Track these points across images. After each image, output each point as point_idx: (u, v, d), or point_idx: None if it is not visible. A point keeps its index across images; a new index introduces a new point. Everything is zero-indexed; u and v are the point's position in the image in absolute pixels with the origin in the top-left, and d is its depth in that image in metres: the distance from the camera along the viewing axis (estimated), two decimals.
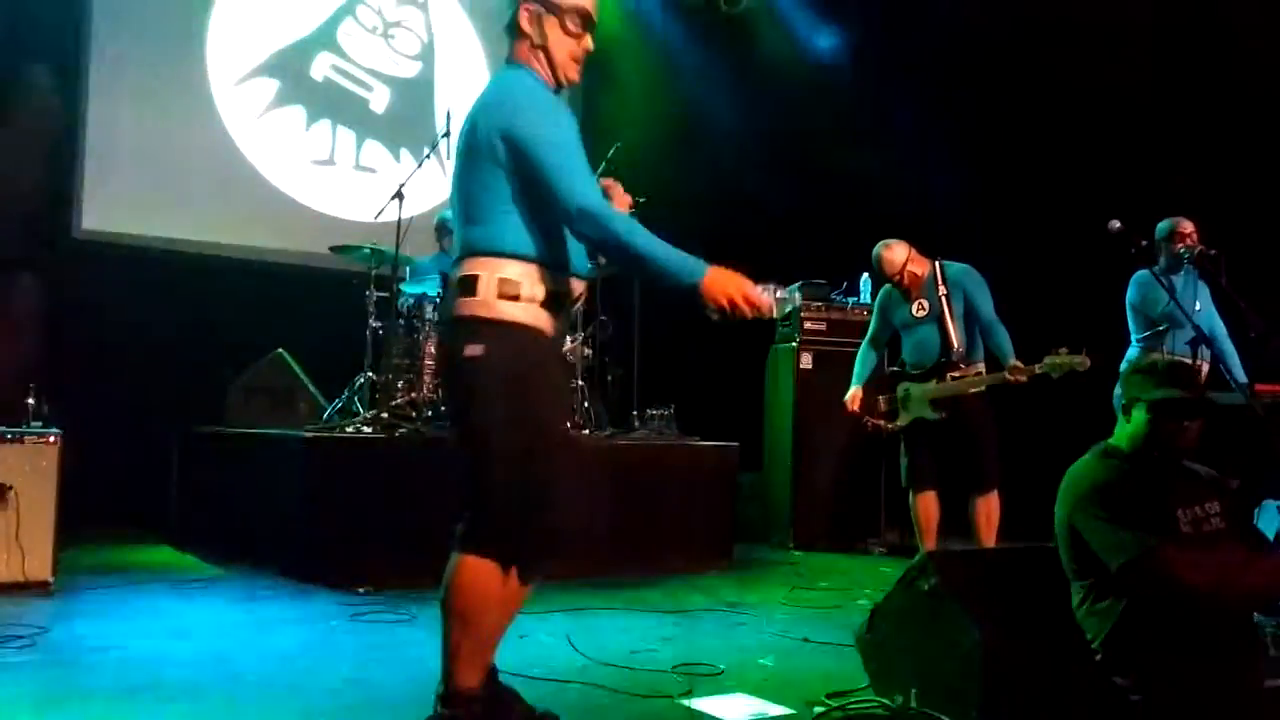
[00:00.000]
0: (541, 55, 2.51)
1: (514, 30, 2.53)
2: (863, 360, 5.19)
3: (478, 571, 2.34)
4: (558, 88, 2.56)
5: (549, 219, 2.35)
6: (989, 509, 4.74)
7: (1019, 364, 4.59)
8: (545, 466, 2.33)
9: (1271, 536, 4.62)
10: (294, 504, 4.82)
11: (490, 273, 2.32)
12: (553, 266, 2.38)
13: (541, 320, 2.35)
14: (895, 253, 4.99)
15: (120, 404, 5.91)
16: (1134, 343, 5.02)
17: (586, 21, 2.55)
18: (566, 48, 2.52)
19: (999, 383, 4.69)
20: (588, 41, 2.56)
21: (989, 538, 4.73)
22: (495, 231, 2.33)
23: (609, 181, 2.73)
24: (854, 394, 5.11)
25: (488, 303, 2.31)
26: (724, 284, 2.28)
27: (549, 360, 2.41)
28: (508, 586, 2.38)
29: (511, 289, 2.31)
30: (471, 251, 2.36)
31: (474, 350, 2.30)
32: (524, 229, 2.34)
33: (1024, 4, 6.65)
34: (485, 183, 2.35)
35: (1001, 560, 3.18)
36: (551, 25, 2.50)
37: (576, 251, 2.44)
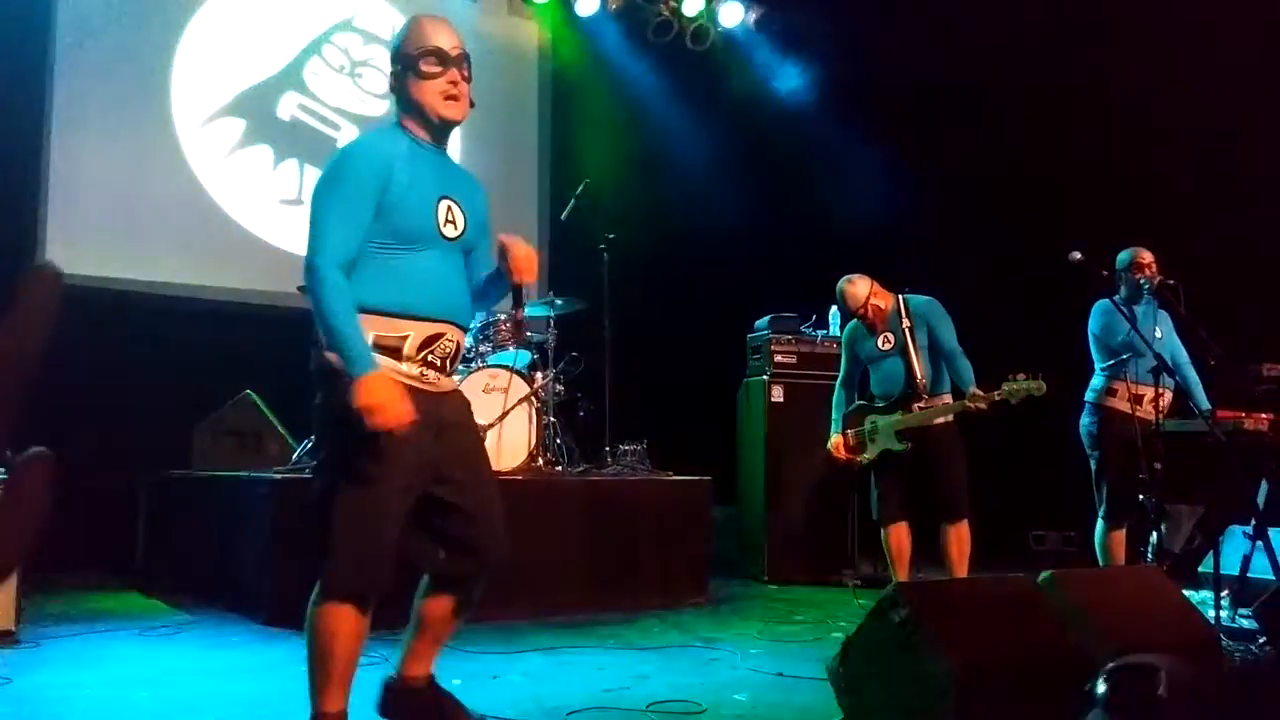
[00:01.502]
0: (412, 109, 2.65)
1: (392, 96, 2.70)
2: (838, 404, 5.19)
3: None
4: (443, 127, 2.69)
5: (374, 268, 2.50)
6: (960, 538, 4.77)
7: (978, 391, 4.65)
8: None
9: (1238, 562, 4.69)
10: (263, 547, 4.77)
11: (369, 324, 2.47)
12: (387, 313, 2.49)
13: (411, 374, 2.51)
14: (858, 287, 5.05)
15: (86, 448, 5.82)
16: (1097, 372, 5.09)
17: (441, 57, 2.62)
18: (434, 89, 2.62)
19: (960, 411, 4.74)
20: (452, 74, 2.63)
21: (961, 567, 4.76)
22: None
23: None
24: (837, 441, 5.09)
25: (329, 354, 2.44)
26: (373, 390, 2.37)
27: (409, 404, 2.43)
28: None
29: (378, 341, 2.48)
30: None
31: (333, 400, 2.44)
32: (373, 280, 2.49)
33: (983, 40, 6.80)
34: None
35: (972, 590, 3.20)
36: (411, 79, 2.62)
37: (417, 293, 2.53)
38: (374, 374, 2.37)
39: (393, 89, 2.68)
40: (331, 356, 2.43)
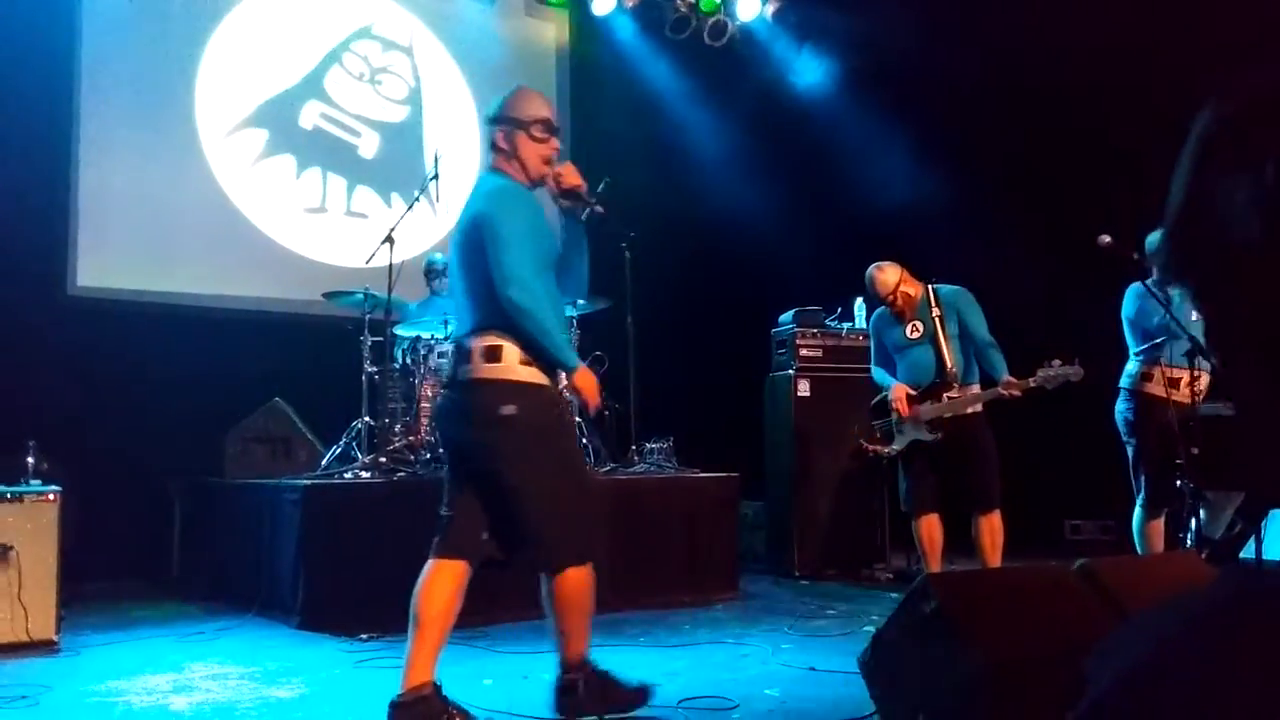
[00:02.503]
0: (515, 163, 3.08)
1: (492, 146, 3.13)
2: (882, 373, 5.13)
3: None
4: (532, 185, 3.12)
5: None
6: (992, 528, 4.72)
7: (1013, 379, 4.60)
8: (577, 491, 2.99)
9: None
10: (295, 552, 4.80)
11: (509, 342, 2.87)
12: None
13: (549, 379, 2.96)
14: (888, 274, 5.00)
15: (120, 458, 5.91)
16: (1132, 356, 5.02)
17: (549, 127, 3.11)
18: (536, 153, 3.09)
19: (994, 399, 4.69)
20: (554, 143, 3.12)
21: (994, 557, 4.71)
22: (499, 308, 2.86)
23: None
24: (899, 389, 4.92)
25: (511, 367, 2.86)
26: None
27: (563, 409, 3.08)
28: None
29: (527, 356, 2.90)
30: (490, 325, 2.88)
31: (508, 410, 2.85)
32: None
33: (1004, 26, 6.73)
34: (481, 268, 2.89)
35: (1003, 580, 3.17)
36: (521, 138, 3.08)
37: (561, 319, 3.02)
38: (584, 366, 2.94)
39: (495, 143, 3.11)
40: (522, 373, 2.87)
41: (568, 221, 3.18)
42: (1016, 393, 4.57)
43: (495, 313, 2.86)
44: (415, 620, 3.05)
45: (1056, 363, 4.46)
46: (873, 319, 5.25)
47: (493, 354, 2.88)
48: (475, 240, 2.92)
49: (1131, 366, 5.00)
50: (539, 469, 2.87)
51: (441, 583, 3.07)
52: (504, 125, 3.08)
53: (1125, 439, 5.00)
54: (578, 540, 2.96)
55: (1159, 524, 4.87)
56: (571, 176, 3.10)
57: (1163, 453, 4.66)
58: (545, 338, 2.85)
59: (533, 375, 2.88)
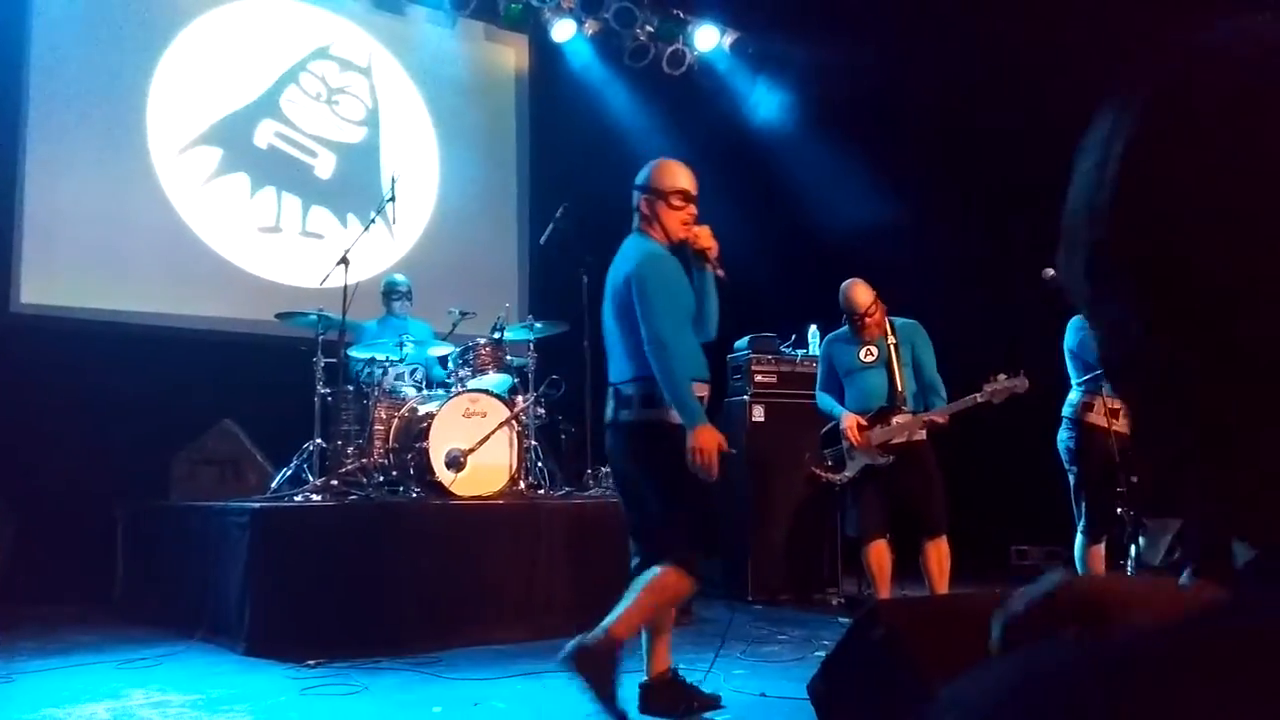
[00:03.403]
0: (658, 227, 3.50)
1: (636, 211, 3.55)
2: (829, 400, 5.18)
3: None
4: (672, 246, 3.53)
5: (680, 344, 3.33)
6: (940, 554, 4.78)
7: (939, 411, 4.75)
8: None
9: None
10: (242, 576, 4.72)
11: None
12: (691, 378, 3.34)
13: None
14: (863, 292, 5.03)
15: (63, 479, 5.79)
16: (1075, 386, 5.13)
17: (686, 196, 3.52)
18: (676, 218, 3.50)
19: (932, 425, 4.80)
20: (691, 209, 3.53)
21: (942, 583, 4.77)
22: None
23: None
24: (852, 419, 4.96)
25: (666, 410, 3.28)
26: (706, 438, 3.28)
27: None
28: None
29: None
30: (647, 373, 3.29)
31: (664, 445, 3.27)
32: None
33: (958, 56, 6.87)
34: (632, 324, 3.33)
35: (950, 606, 3.20)
36: (661, 207, 3.49)
37: (699, 364, 3.44)
38: (708, 425, 3.27)
39: (639, 208, 3.55)
40: (664, 414, 3.28)
41: (698, 273, 3.58)
42: (940, 420, 4.71)
43: (648, 363, 3.28)
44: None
45: (1001, 376, 4.56)
46: (825, 342, 5.30)
47: (649, 400, 3.31)
48: (627, 298, 3.36)
49: (1073, 396, 5.10)
50: (680, 488, 3.30)
51: None
52: (647, 194, 3.50)
53: (1067, 467, 5.11)
54: (696, 542, 3.37)
55: (1100, 550, 4.97)
56: (704, 240, 3.49)
57: (1104, 481, 4.75)
58: (674, 393, 3.26)
59: (675, 418, 3.29)
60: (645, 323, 3.28)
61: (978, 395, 4.62)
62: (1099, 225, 0.54)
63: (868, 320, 4.99)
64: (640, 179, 3.55)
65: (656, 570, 3.31)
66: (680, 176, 3.51)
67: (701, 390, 3.39)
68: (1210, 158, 0.49)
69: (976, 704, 0.48)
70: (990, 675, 0.49)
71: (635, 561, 3.48)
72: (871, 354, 5.01)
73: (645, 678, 3.49)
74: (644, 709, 3.42)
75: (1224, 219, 0.48)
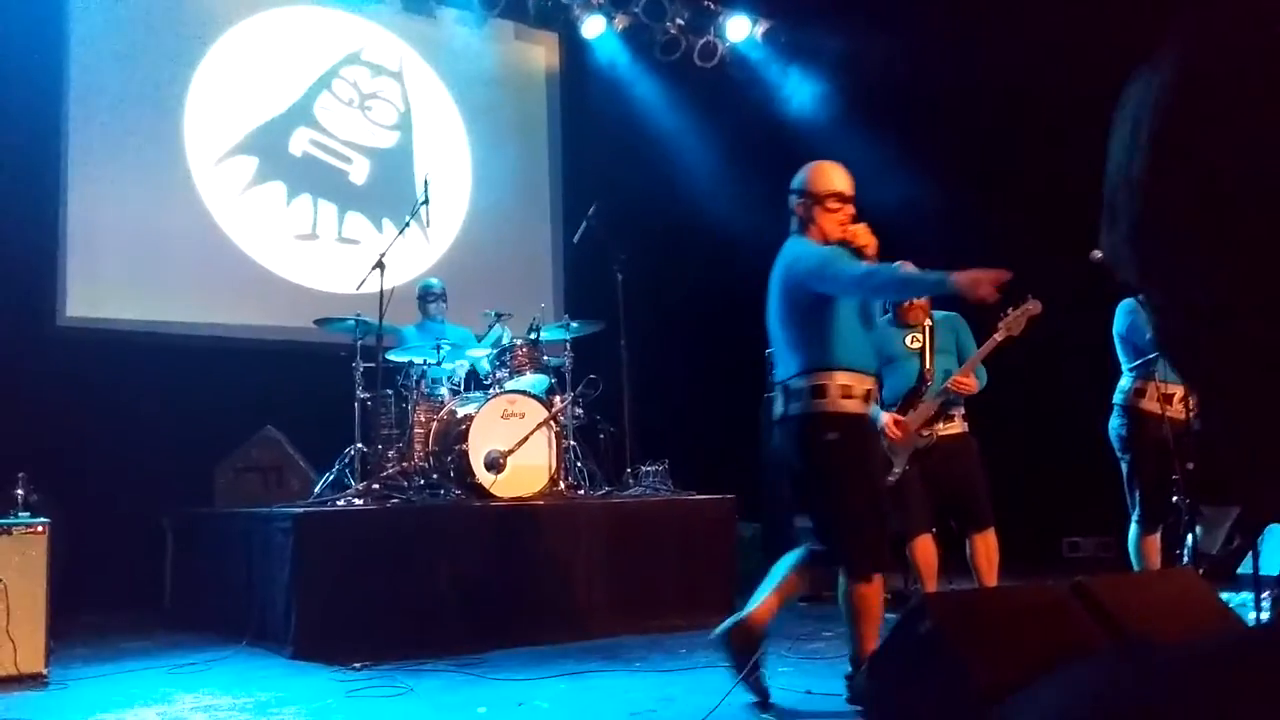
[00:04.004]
0: (815, 229, 3.55)
1: (793, 214, 3.62)
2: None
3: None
4: (828, 245, 3.58)
5: (848, 337, 3.40)
6: (988, 547, 4.70)
7: (958, 377, 4.69)
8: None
9: (1279, 562, 4.58)
10: (287, 581, 4.76)
11: (832, 380, 3.34)
12: (859, 369, 3.40)
13: (864, 409, 3.42)
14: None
15: (111, 489, 5.87)
16: (1125, 373, 5.00)
17: (842, 198, 3.56)
18: (833, 220, 3.54)
19: (967, 381, 4.72)
20: (848, 209, 3.57)
21: (990, 576, 4.69)
22: (820, 352, 3.37)
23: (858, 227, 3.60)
24: (889, 418, 4.91)
25: (834, 401, 3.32)
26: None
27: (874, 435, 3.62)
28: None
29: (847, 390, 3.36)
30: (813, 367, 3.36)
31: (832, 436, 3.32)
32: (841, 347, 3.38)
33: (994, 45, 6.76)
34: (798, 319, 3.41)
35: (998, 599, 3.14)
36: (817, 210, 3.54)
37: (866, 356, 3.49)
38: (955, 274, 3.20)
39: (796, 211, 3.61)
40: (820, 403, 3.33)
41: None
42: (966, 380, 4.64)
43: (816, 356, 3.36)
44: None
45: (1010, 309, 4.49)
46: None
47: (817, 391, 3.35)
48: (794, 298, 3.44)
49: (1125, 383, 4.98)
50: (847, 487, 3.36)
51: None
52: (803, 198, 3.57)
53: (1120, 455, 4.98)
54: (870, 553, 3.39)
55: (1155, 540, 4.84)
56: (862, 238, 3.54)
57: (1158, 469, 4.63)
58: (905, 286, 3.60)
59: (850, 407, 3.35)
60: (836, 284, 3.38)
61: (996, 335, 4.56)
62: (1137, 197, 0.51)
63: (915, 303, 4.92)
64: (796, 183, 3.62)
65: (848, 590, 3.43)
66: (836, 179, 3.59)
67: (866, 382, 3.44)
68: (1242, 119, 0.46)
69: None
70: (1044, 695, 0.47)
71: (806, 547, 3.63)
72: (917, 340, 4.94)
73: (742, 616, 3.55)
74: (723, 640, 3.53)
75: (1262, 180, 0.45)
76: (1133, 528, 4.91)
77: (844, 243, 3.53)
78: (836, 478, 3.39)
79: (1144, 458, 4.81)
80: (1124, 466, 4.96)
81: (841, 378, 3.36)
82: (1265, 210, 0.45)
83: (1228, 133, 0.47)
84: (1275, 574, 4.54)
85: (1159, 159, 0.51)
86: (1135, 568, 4.84)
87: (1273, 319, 0.46)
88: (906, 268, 3.80)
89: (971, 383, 4.69)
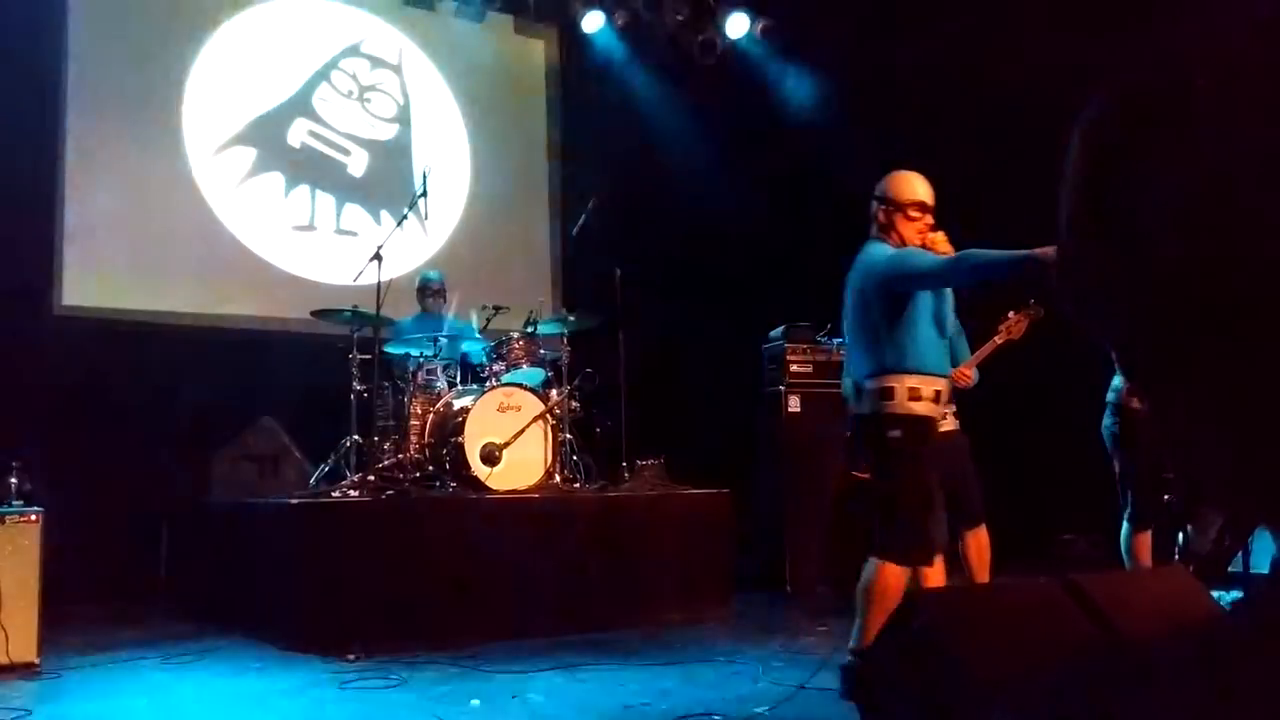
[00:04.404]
0: (893, 234, 3.65)
1: (873, 219, 3.70)
2: None
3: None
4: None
5: (921, 341, 3.49)
6: (980, 544, 4.72)
7: (960, 369, 4.70)
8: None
9: (1269, 561, 4.60)
10: (282, 572, 4.77)
11: (901, 384, 3.46)
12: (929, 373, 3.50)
13: (933, 411, 3.53)
14: None
15: (106, 478, 5.87)
16: (1119, 371, 5.01)
17: (923, 207, 3.68)
18: (913, 228, 3.65)
19: (966, 376, 4.74)
20: (928, 219, 3.69)
21: (982, 573, 4.71)
22: (894, 356, 3.46)
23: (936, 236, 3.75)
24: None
25: (901, 403, 3.45)
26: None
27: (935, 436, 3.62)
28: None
29: (915, 393, 3.48)
30: (883, 370, 3.47)
31: (895, 434, 3.44)
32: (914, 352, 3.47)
33: (992, 43, 6.76)
34: (873, 322, 3.49)
35: (990, 596, 3.15)
36: (899, 217, 3.65)
37: (941, 360, 3.57)
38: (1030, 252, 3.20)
39: (876, 217, 3.71)
40: (886, 404, 3.45)
41: None
42: (967, 374, 4.66)
43: (888, 360, 3.46)
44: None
45: (1012, 313, 4.51)
46: None
47: (885, 394, 3.47)
48: (871, 300, 3.50)
49: (1117, 381, 4.99)
50: (903, 480, 3.47)
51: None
52: (885, 205, 3.67)
53: (1112, 454, 5.00)
54: (912, 542, 3.49)
55: (1146, 538, 4.87)
56: (941, 246, 3.66)
57: (1150, 467, 4.65)
58: (991, 266, 3.37)
59: (916, 408, 3.47)
60: (920, 276, 3.48)
61: (996, 338, 4.58)
62: (1068, 230, 0.55)
63: None
64: (878, 190, 3.74)
65: (871, 573, 3.51)
66: (918, 188, 3.71)
67: (937, 384, 3.52)
68: (1155, 159, 0.48)
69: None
70: (1037, 694, 0.48)
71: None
72: None
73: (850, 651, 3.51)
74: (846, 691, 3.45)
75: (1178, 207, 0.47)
76: (1125, 526, 4.93)
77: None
78: (894, 472, 3.52)
79: (1136, 457, 4.83)
80: (1116, 465, 4.98)
81: (911, 381, 3.47)
82: (1175, 231, 0.48)
83: (1144, 168, 0.49)
84: (1265, 572, 4.56)
85: (1082, 194, 0.54)
86: (1126, 565, 4.86)
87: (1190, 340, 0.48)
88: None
89: (972, 377, 4.71)
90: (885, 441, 3.51)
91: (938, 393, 3.55)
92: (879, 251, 3.62)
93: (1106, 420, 5.02)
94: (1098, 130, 0.53)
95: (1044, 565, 5.96)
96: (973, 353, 4.78)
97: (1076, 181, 0.55)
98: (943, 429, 4.84)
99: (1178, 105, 0.49)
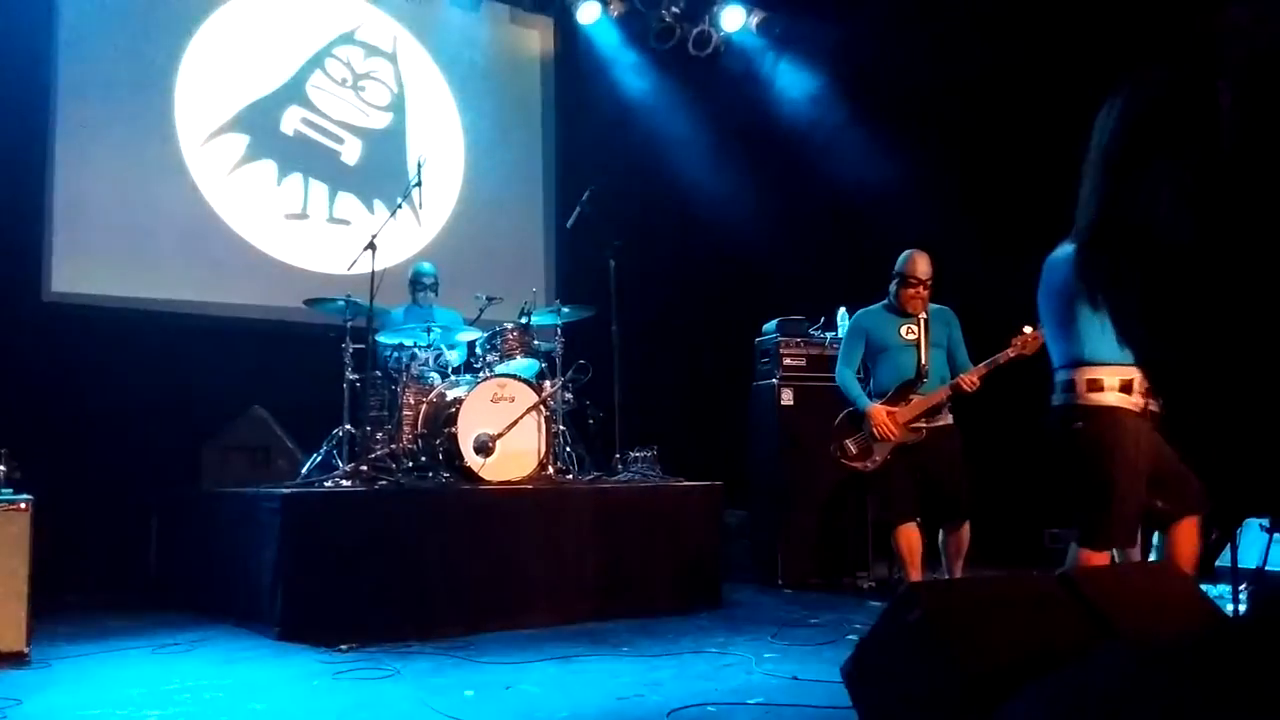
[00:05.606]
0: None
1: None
2: (854, 383, 5.16)
3: None
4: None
5: (1097, 332, 3.50)
6: (962, 539, 4.76)
7: (967, 375, 4.71)
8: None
9: (1257, 555, 4.62)
10: (274, 562, 4.75)
11: (1080, 376, 3.56)
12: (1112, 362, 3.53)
13: (1124, 401, 3.54)
14: (926, 261, 5.01)
15: (96, 466, 5.84)
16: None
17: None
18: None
19: (955, 392, 4.76)
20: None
21: (958, 567, 4.76)
22: (1071, 347, 3.59)
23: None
24: (879, 408, 4.97)
25: (1082, 395, 3.55)
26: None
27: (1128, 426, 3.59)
28: None
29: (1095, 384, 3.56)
30: (1066, 362, 3.59)
31: (1077, 426, 3.57)
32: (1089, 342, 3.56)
33: (990, 37, 6.76)
34: (1052, 316, 3.64)
35: (987, 589, 3.16)
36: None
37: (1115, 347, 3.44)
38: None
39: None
40: (1070, 396, 3.56)
41: None
42: (976, 381, 4.65)
43: (1068, 351, 3.57)
44: None
45: (1028, 329, 4.53)
46: (859, 316, 5.23)
47: (1068, 386, 3.59)
48: (1050, 293, 3.62)
49: None
50: (1088, 470, 3.59)
51: None
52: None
53: None
54: (1102, 529, 3.64)
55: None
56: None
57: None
58: None
59: (1097, 399, 3.54)
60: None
61: (1009, 350, 4.59)
62: (1086, 214, 0.55)
63: (923, 291, 4.94)
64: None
65: (1076, 555, 3.66)
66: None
67: (1122, 373, 3.53)
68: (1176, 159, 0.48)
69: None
70: (1040, 694, 0.48)
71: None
72: (913, 331, 4.96)
73: None
74: None
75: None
76: None
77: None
78: (1078, 462, 3.64)
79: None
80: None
81: (1090, 372, 3.52)
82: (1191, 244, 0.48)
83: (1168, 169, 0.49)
84: (1253, 566, 4.59)
85: (1108, 183, 0.54)
86: (1116, 559, 4.88)
87: (1204, 336, 0.48)
88: None
89: (976, 383, 4.73)
90: (1070, 435, 3.66)
91: (1124, 382, 3.55)
92: (1069, 248, 3.72)
93: None
94: (1120, 126, 0.53)
95: (1032, 560, 5.98)
96: (982, 361, 4.80)
97: (1097, 176, 0.54)
98: (938, 424, 4.88)
99: (1199, 104, 0.48)
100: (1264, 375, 0.47)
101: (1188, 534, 4.67)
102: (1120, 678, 0.45)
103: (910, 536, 4.87)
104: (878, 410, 4.92)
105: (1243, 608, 4.20)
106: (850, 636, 4.35)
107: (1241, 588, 4.31)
